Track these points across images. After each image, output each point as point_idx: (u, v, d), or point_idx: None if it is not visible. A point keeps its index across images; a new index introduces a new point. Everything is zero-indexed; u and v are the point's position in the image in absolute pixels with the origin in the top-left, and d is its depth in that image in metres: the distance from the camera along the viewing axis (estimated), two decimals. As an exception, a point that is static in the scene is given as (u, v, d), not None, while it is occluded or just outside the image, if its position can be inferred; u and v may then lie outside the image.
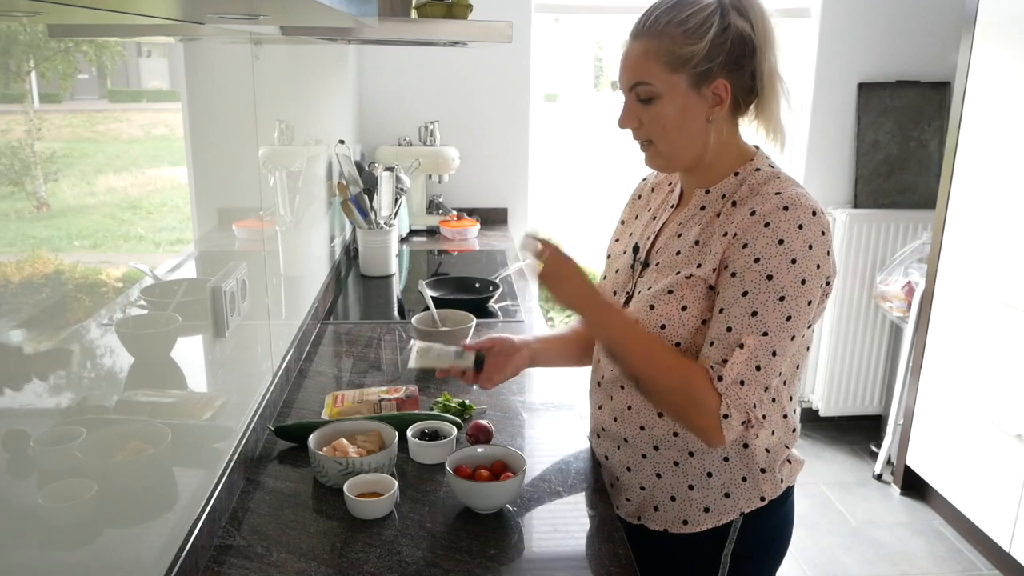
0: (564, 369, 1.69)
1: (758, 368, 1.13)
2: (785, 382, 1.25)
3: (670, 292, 1.21)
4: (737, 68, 1.17)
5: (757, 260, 1.12)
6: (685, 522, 1.29)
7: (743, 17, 1.15)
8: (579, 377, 1.61)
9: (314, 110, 2.25)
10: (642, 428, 1.29)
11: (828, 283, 1.18)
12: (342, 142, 2.61)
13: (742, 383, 1.13)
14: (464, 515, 1.28)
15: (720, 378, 1.13)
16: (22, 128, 0.78)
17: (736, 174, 1.23)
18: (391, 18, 1.49)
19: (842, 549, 2.82)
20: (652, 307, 1.22)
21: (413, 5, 1.56)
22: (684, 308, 1.20)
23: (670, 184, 1.38)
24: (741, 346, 1.12)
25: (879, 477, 3.28)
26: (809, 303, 1.14)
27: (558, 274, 1.25)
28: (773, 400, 1.24)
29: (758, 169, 1.22)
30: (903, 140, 3.42)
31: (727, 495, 1.27)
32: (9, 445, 0.75)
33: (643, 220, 1.39)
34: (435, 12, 1.54)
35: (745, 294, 1.13)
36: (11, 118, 0.76)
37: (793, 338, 1.14)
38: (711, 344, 1.16)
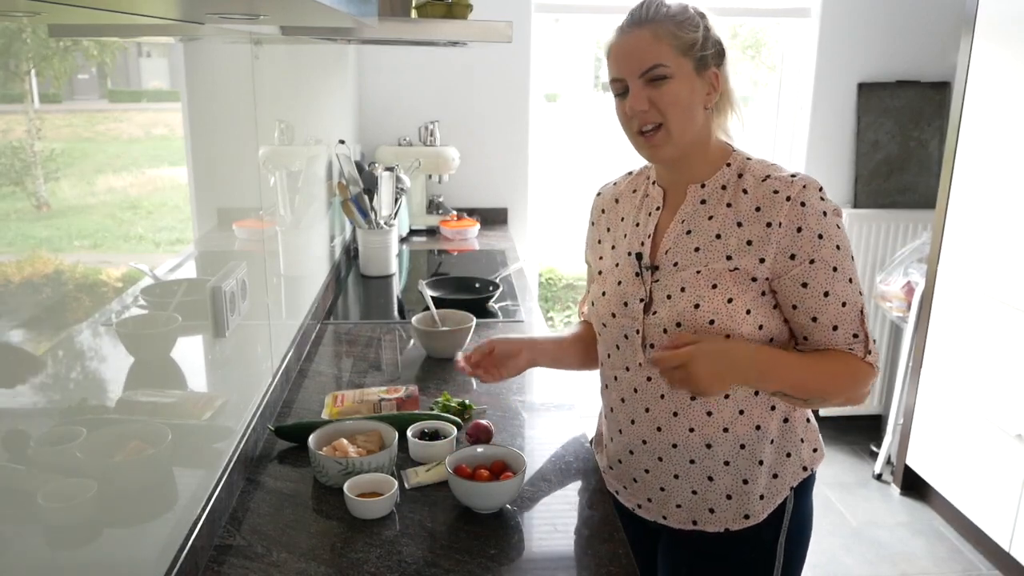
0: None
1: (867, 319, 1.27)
2: None
3: (714, 287, 1.22)
4: (719, 64, 1.25)
5: (821, 236, 1.21)
6: (747, 516, 1.31)
7: (714, 29, 1.26)
8: (579, 377, 1.61)
9: (314, 110, 2.25)
10: (691, 430, 1.28)
11: None
12: (342, 142, 2.61)
13: (874, 340, 1.27)
14: (464, 515, 1.28)
15: (869, 352, 1.25)
16: (22, 128, 0.78)
17: (728, 165, 1.28)
18: (391, 18, 1.49)
19: (842, 550, 2.82)
20: (697, 305, 1.22)
21: (413, 5, 1.56)
22: (730, 300, 1.22)
23: (635, 191, 1.38)
24: (861, 311, 1.25)
25: (879, 477, 3.28)
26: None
27: (710, 362, 1.18)
28: None
29: (749, 158, 1.28)
30: (903, 140, 3.42)
31: (775, 476, 1.31)
32: (9, 445, 0.75)
33: (622, 230, 1.37)
34: (435, 12, 1.54)
35: (835, 269, 1.22)
36: (11, 118, 0.76)
37: None
38: (835, 328, 1.24)
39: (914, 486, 3.12)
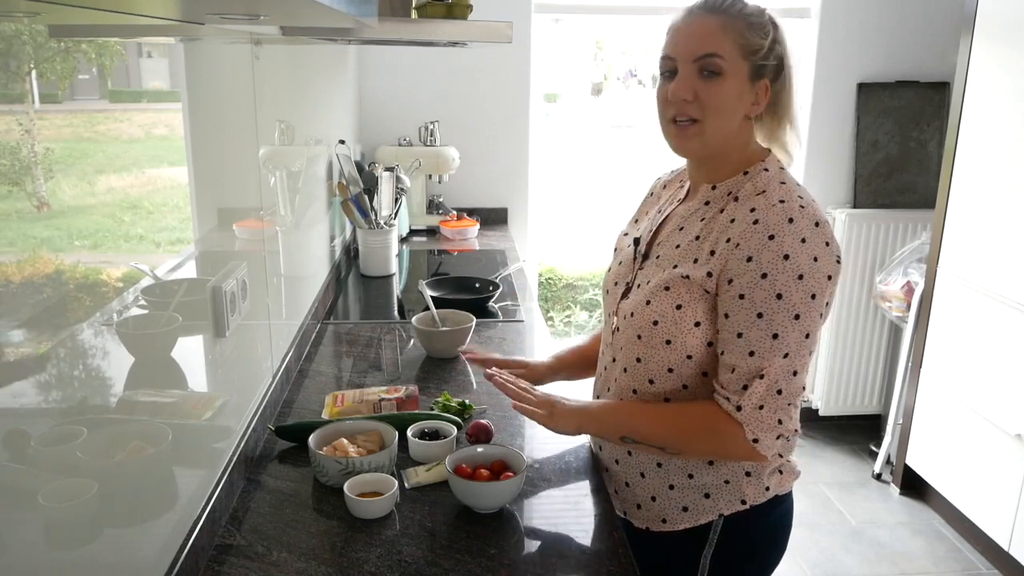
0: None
1: (779, 392, 1.14)
2: None
3: (667, 289, 1.22)
4: (776, 78, 1.22)
5: (764, 276, 1.12)
6: (664, 520, 1.30)
7: (781, 42, 1.21)
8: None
9: (314, 110, 2.25)
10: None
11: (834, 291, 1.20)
12: (342, 142, 2.61)
13: (761, 407, 1.15)
14: (464, 515, 1.28)
15: (739, 408, 1.15)
16: (22, 128, 0.78)
17: (745, 173, 1.24)
18: (391, 18, 1.49)
19: (842, 549, 2.82)
20: (648, 302, 1.24)
21: (413, 5, 1.56)
22: (679, 307, 1.21)
23: (681, 182, 1.38)
24: (761, 376, 1.14)
25: (879, 477, 3.28)
26: (820, 315, 1.16)
27: (550, 413, 1.31)
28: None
29: (766, 169, 1.23)
30: (903, 140, 3.42)
31: (707, 496, 1.28)
32: (9, 445, 0.75)
33: (651, 215, 1.39)
34: (435, 12, 1.54)
35: (760, 316, 1.13)
36: (11, 118, 0.76)
37: (811, 352, 1.17)
38: (732, 371, 1.16)
39: (914, 486, 3.12)
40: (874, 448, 3.43)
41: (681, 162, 1.40)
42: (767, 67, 1.19)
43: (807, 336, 1.14)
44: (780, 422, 1.16)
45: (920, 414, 2.99)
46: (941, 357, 2.87)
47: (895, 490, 3.18)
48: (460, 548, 1.20)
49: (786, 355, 1.13)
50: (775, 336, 1.13)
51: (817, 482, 3.23)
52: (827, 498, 3.13)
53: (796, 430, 1.19)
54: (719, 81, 1.17)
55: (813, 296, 1.13)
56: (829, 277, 1.14)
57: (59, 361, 0.83)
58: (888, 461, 3.31)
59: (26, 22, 0.76)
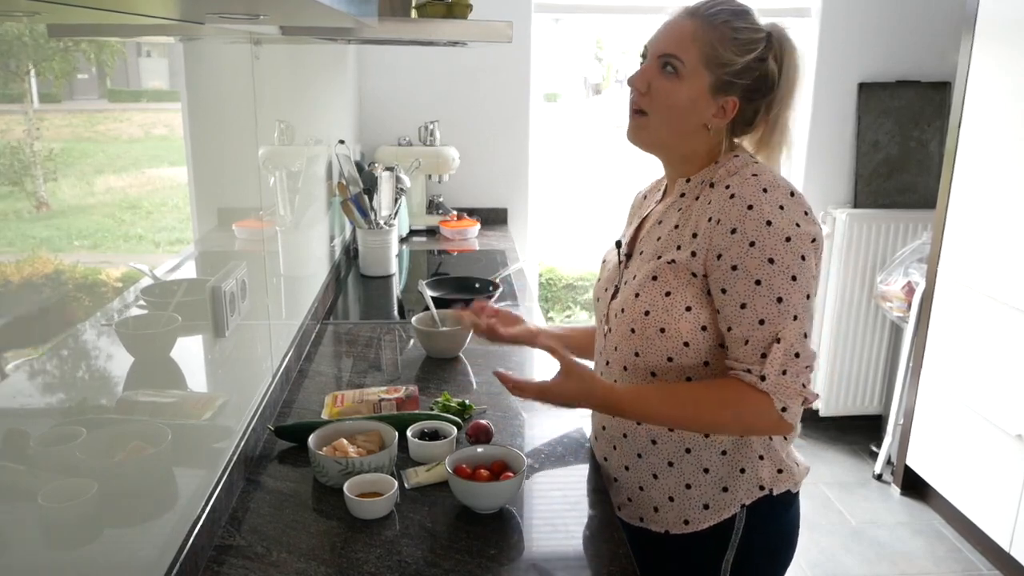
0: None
1: (797, 355, 1.15)
2: None
3: (654, 278, 1.23)
4: (749, 99, 1.22)
5: (752, 244, 1.14)
6: (686, 522, 1.29)
7: (778, 61, 1.22)
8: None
9: (314, 110, 2.25)
10: (639, 423, 1.29)
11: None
12: (342, 142, 2.61)
13: (784, 372, 1.14)
14: (464, 515, 1.28)
15: (763, 378, 1.14)
16: (22, 128, 0.78)
17: (716, 163, 1.26)
18: (391, 18, 1.49)
19: (842, 549, 2.82)
20: (637, 295, 1.24)
21: (413, 5, 1.56)
22: (668, 294, 1.21)
23: (659, 189, 1.41)
24: (778, 340, 1.14)
25: (879, 477, 3.28)
26: (814, 277, 1.17)
27: (559, 394, 1.26)
28: None
29: (736, 156, 1.26)
30: (903, 140, 3.42)
31: (725, 489, 1.27)
32: (9, 445, 0.75)
33: (633, 221, 1.42)
34: (435, 12, 1.54)
35: (759, 283, 1.14)
36: (11, 118, 0.76)
37: (811, 317, 1.18)
38: (745, 343, 1.16)
39: (914, 486, 3.12)
40: (874, 448, 3.43)
41: (657, 173, 1.43)
42: (736, 84, 1.20)
43: (808, 296, 1.16)
44: (804, 386, 1.16)
45: (920, 414, 2.99)
46: (942, 357, 2.87)
47: (895, 490, 3.18)
48: (460, 548, 1.20)
49: (795, 317, 1.14)
50: (779, 300, 1.14)
51: (817, 482, 3.23)
52: (827, 498, 3.13)
53: (817, 395, 1.20)
54: (673, 81, 1.20)
55: (803, 257, 1.14)
56: (813, 240, 1.15)
57: (59, 361, 0.83)
58: (889, 461, 3.30)
59: (25, 21, 0.76)
